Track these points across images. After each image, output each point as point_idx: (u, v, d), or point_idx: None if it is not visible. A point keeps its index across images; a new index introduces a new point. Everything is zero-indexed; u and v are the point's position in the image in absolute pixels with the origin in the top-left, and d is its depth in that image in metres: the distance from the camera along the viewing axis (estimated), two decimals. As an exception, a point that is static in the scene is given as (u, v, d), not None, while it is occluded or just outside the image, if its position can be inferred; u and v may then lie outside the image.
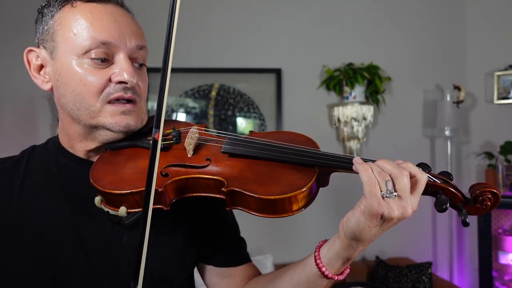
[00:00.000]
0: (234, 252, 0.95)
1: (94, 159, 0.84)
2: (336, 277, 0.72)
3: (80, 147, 0.83)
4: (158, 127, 0.59)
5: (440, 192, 0.68)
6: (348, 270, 0.74)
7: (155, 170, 0.60)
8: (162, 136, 0.79)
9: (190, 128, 0.81)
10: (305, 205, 0.71)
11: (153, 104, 3.11)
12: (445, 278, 3.11)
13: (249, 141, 0.78)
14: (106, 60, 0.76)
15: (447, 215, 3.26)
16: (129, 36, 0.77)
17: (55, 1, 0.77)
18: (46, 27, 0.78)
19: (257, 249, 3.08)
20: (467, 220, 0.65)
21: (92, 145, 0.82)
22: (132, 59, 0.79)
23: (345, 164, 0.71)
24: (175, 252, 0.85)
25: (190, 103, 3.17)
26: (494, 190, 0.67)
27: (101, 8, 0.76)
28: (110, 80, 0.76)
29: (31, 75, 0.81)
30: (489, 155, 3.19)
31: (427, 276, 2.87)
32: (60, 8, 0.77)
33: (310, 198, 0.72)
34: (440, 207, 0.65)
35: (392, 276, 2.90)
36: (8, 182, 0.80)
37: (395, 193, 0.63)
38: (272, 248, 3.10)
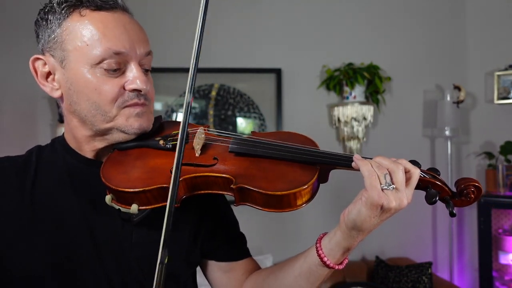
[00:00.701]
0: (235, 247, 0.99)
1: (101, 159, 0.85)
2: (336, 266, 0.77)
3: (87, 148, 0.84)
4: (183, 129, 0.62)
5: (430, 186, 0.75)
6: (347, 260, 0.79)
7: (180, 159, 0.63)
8: (170, 137, 0.83)
9: (197, 129, 0.85)
10: (308, 200, 0.76)
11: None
12: (445, 278, 3.11)
13: (255, 141, 0.82)
14: (118, 69, 0.77)
15: (447, 215, 3.25)
16: (139, 44, 0.79)
17: (61, 9, 0.76)
18: (53, 35, 0.77)
19: (257, 249, 3.08)
20: (454, 211, 0.72)
21: (100, 145, 0.84)
22: (140, 65, 0.81)
23: (343, 161, 0.77)
24: (181, 249, 0.88)
25: (190, 103, 3.17)
26: (477, 184, 0.74)
27: (111, 16, 0.77)
28: (123, 88, 0.78)
29: (38, 82, 0.81)
30: (489, 155, 3.19)
31: (427, 276, 2.87)
32: (67, 16, 0.76)
33: (312, 193, 0.77)
34: (430, 200, 0.72)
35: (392, 276, 2.90)
36: (21, 180, 0.82)
37: (392, 185, 0.69)
38: (272, 248, 3.10)
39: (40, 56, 0.79)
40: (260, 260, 2.86)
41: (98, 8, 0.76)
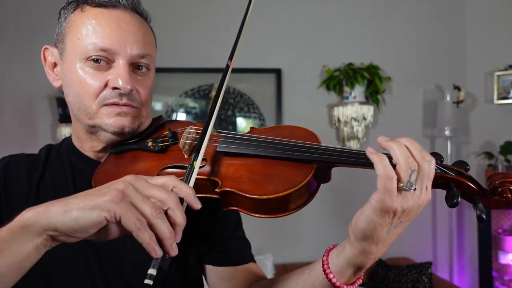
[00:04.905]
0: (233, 251, 0.92)
1: (102, 160, 0.86)
2: (345, 287, 0.64)
3: (87, 148, 0.86)
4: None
5: (452, 184, 0.61)
6: (360, 281, 0.66)
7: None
8: (160, 138, 0.80)
9: (185, 128, 0.80)
10: (304, 203, 0.68)
11: (153, 104, 3.11)
12: (445, 278, 3.11)
13: (244, 139, 0.76)
14: (106, 64, 0.77)
15: (447, 214, 3.26)
16: (131, 44, 0.78)
17: (69, 5, 0.81)
18: (60, 29, 0.82)
19: (257, 249, 3.08)
20: (483, 216, 0.58)
21: (98, 145, 0.84)
22: (133, 64, 0.80)
23: (344, 158, 0.66)
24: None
25: (190, 103, 3.17)
26: None
27: (107, 14, 0.77)
28: (107, 84, 0.78)
29: (45, 71, 0.86)
30: (489, 155, 3.19)
31: (427, 276, 2.87)
32: (72, 12, 0.80)
33: (309, 195, 0.69)
34: (450, 202, 0.58)
35: (392, 276, 2.90)
36: (30, 175, 0.84)
37: (415, 187, 0.56)
38: (272, 248, 3.10)
39: (49, 47, 0.85)
40: (260, 260, 2.85)
41: (98, 5, 0.78)
